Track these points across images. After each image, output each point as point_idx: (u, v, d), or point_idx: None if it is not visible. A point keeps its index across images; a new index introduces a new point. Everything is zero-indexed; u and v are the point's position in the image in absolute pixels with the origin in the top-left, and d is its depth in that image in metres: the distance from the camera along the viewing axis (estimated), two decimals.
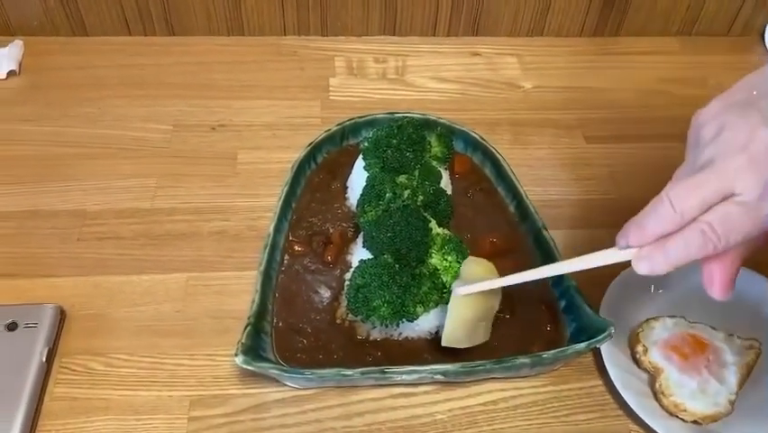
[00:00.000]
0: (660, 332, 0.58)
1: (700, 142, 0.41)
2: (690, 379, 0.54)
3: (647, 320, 0.59)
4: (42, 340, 0.54)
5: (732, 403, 0.54)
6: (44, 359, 0.54)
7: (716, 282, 0.42)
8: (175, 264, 0.62)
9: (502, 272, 0.54)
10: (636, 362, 0.57)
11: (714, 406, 0.53)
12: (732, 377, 0.55)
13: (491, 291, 0.54)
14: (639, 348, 0.57)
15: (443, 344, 0.53)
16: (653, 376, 0.56)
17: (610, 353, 0.56)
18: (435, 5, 0.86)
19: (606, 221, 0.69)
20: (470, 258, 0.56)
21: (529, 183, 0.68)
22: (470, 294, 0.52)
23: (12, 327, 0.55)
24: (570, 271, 0.48)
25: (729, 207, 0.38)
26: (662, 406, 0.54)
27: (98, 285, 0.60)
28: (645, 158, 0.77)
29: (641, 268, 0.41)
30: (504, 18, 0.88)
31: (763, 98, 0.40)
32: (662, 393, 0.54)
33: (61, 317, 0.57)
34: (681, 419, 0.53)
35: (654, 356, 0.56)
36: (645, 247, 0.41)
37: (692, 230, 0.39)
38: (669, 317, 0.59)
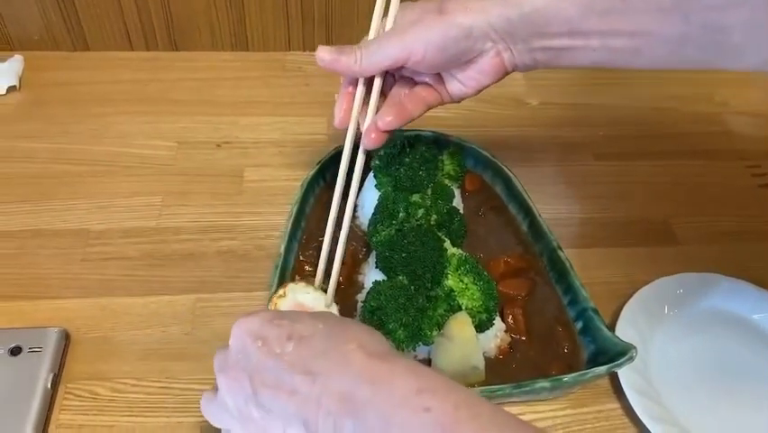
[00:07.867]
0: None
1: None
2: None
3: None
4: (47, 365, 0.53)
5: None
6: (49, 385, 0.52)
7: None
8: (182, 285, 0.61)
9: (518, 292, 0.53)
10: None
11: None
12: None
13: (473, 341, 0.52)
14: None
15: None
16: None
17: (627, 375, 0.55)
18: None
19: (617, 240, 0.69)
20: (452, 318, 0.53)
21: (538, 201, 0.67)
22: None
23: (15, 351, 0.53)
24: None
25: None
26: None
27: (104, 307, 0.59)
28: (654, 175, 0.76)
29: None
30: None
31: None
32: None
33: (66, 340, 0.56)
34: None
35: None
36: None
37: None
38: None
